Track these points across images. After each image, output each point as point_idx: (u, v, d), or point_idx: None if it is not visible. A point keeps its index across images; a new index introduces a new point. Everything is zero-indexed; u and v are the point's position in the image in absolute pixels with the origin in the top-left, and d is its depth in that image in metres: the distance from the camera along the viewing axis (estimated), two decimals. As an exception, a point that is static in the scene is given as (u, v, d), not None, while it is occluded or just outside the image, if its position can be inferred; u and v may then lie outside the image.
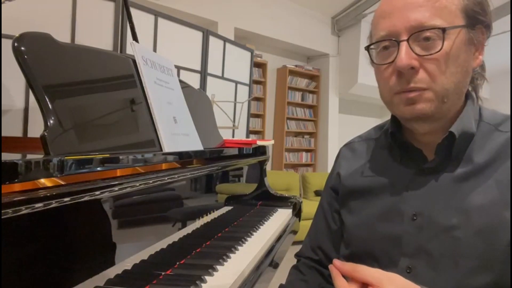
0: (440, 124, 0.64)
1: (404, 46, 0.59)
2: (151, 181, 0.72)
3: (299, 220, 1.48)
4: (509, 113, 0.67)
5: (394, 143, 0.71)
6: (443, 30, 0.58)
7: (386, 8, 0.63)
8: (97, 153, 0.62)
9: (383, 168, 0.73)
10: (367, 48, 0.67)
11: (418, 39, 0.59)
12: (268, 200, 1.46)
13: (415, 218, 0.64)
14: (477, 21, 0.61)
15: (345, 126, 5.85)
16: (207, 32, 2.51)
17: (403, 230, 0.64)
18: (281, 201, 1.47)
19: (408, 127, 0.69)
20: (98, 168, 0.59)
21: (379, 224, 0.68)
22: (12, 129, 1.47)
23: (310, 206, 2.80)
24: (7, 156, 0.46)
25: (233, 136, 2.76)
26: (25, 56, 0.60)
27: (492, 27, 0.64)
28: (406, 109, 0.62)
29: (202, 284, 0.67)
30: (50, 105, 0.60)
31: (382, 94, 0.67)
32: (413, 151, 0.68)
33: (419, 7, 0.59)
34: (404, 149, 0.70)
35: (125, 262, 0.65)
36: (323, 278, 0.81)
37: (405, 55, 0.59)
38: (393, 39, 0.60)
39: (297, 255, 0.88)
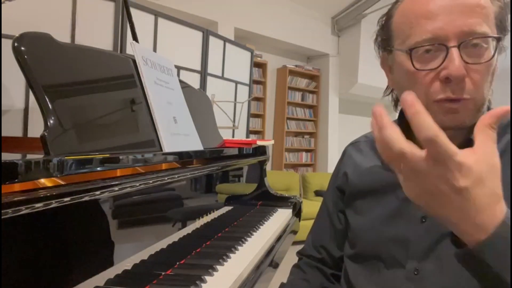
0: (461, 132, 0.61)
1: (456, 52, 0.55)
2: (151, 181, 0.72)
3: (299, 220, 1.48)
4: None
5: None
6: (498, 39, 0.56)
7: (429, 7, 0.57)
8: (97, 153, 0.62)
9: (391, 169, 0.71)
10: (394, 49, 0.62)
11: (466, 46, 0.56)
12: (268, 200, 1.46)
13: (424, 220, 0.63)
14: (505, 29, 0.59)
15: (345, 126, 5.85)
16: (207, 32, 2.51)
17: (411, 233, 0.63)
18: (281, 201, 1.47)
19: None
20: (98, 168, 0.59)
21: (387, 226, 0.67)
22: (12, 129, 1.47)
23: (310, 206, 2.81)
24: (7, 156, 0.46)
25: (233, 136, 2.76)
26: (25, 56, 0.60)
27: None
28: (446, 118, 0.58)
29: (202, 284, 0.67)
30: (50, 105, 0.60)
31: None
32: None
33: (470, 12, 0.55)
34: None
35: (125, 262, 0.65)
36: (325, 277, 0.80)
37: (459, 63, 0.54)
38: (441, 43, 0.56)
39: (299, 253, 0.87)
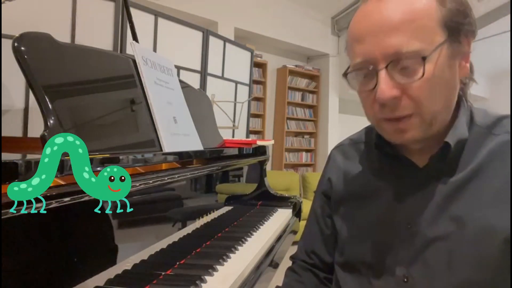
0: (431, 139, 0.61)
1: (383, 75, 0.55)
2: (151, 181, 0.72)
3: (299, 220, 1.48)
4: (508, 112, 0.64)
5: (382, 155, 0.68)
6: (423, 58, 0.53)
7: (358, 30, 0.58)
8: (97, 153, 0.62)
9: (375, 175, 0.70)
10: (345, 75, 0.63)
11: (397, 66, 0.54)
12: (268, 200, 1.46)
13: (409, 226, 0.62)
14: (459, 31, 0.56)
15: (345, 126, 5.84)
16: (207, 32, 2.51)
17: (398, 239, 0.63)
18: (281, 201, 1.46)
19: None
20: (98, 168, 0.59)
21: (373, 233, 0.67)
22: (12, 129, 1.47)
23: (310, 206, 2.80)
24: (7, 156, 0.46)
25: (233, 136, 2.76)
26: (25, 56, 0.60)
27: (477, 32, 0.59)
28: (396, 137, 0.60)
29: (202, 284, 0.67)
30: (50, 105, 0.60)
31: (367, 117, 0.64)
32: (402, 161, 0.66)
33: (395, 30, 0.53)
34: (393, 159, 0.67)
35: (125, 262, 0.65)
36: (318, 280, 0.80)
37: (385, 86, 0.54)
38: (371, 67, 0.56)
39: (292, 258, 0.88)
